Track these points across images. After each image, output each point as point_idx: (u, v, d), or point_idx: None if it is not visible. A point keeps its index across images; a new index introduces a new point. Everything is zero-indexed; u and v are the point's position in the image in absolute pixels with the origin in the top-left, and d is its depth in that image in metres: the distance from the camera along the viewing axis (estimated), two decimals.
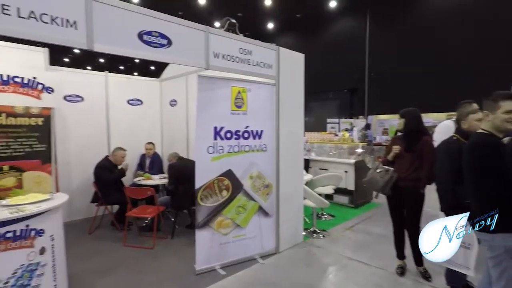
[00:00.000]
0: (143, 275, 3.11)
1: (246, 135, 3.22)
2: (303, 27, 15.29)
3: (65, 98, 4.44)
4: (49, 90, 2.70)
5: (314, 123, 12.99)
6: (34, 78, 2.61)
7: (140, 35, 2.42)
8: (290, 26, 15.62)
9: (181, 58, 2.68)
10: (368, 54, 12.55)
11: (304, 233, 4.02)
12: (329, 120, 12.60)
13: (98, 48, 2.26)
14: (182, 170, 3.86)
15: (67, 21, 2.14)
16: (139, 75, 10.19)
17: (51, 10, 2.07)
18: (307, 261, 3.44)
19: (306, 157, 5.30)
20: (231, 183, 3.13)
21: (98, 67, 16.78)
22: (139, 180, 4.39)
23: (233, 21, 2.99)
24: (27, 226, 2.26)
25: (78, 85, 4.61)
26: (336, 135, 7.12)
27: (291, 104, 3.66)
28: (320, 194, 4.15)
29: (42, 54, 3.72)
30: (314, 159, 5.96)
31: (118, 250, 3.75)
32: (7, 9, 1.93)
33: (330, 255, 3.55)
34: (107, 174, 4.19)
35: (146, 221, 4.33)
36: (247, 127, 3.22)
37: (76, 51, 15.51)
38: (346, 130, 8.28)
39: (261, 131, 3.34)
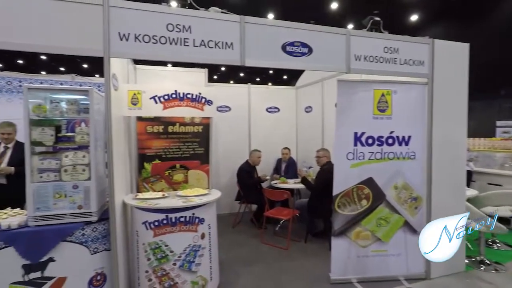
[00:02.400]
0: (279, 273, 3.27)
1: (390, 141, 2.92)
2: (460, 13, 12.72)
3: (217, 108, 5.28)
4: (209, 102, 3.26)
5: (476, 127, 10.51)
6: (200, 93, 3.22)
7: (283, 47, 2.59)
8: (440, 14, 13.27)
9: (321, 64, 2.70)
10: None
11: (466, 261, 3.29)
12: (499, 123, 9.92)
13: (248, 63, 2.55)
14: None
15: (226, 43, 2.51)
16: (272, 85, 11.02)
17: (215, 37, 2.49)
18: None
19: (468, 169, 4.35)
20: (372, 192, 2.90)
21: (239, 81, 19.19)
22: (276, 183, 4.69)
23: (377, 19, 2.79)
24: (193, 214, 2.76)
25: (227, 97, 5.37)
26: None
27: (449, 105, 3.08)
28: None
29: (203, 74, 4.57)
30: (479, 171, 4.81)
31: (257, 245, 4.10)
32: (187, 42, 2.44)
33: None
34: (247, 177, 4.69)
35: (281, 222, 4.57)
36: (391, 132, 2.92)
37: (222, 68, 18.24)
38: None
39: (409, 137, 2.95)
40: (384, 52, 2.83)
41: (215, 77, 21.64)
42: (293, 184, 4.60)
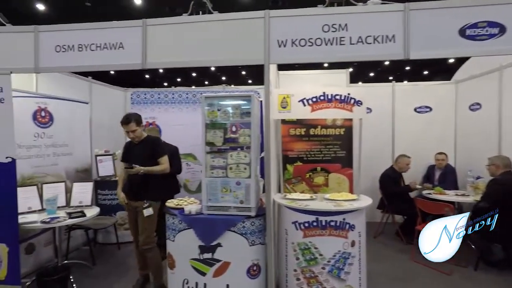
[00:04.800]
0: None
1: None
2: None
3: None
4: (359, 103, 3.09)
5: None
6: (348, 94, 3.09)
7: (462, 31, 2.16)
8: None
9: None
10: None
11: None
12: None
13: (414, 55, 2.27)
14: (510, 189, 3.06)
15: (387, 37, 2.30)
16: (409, 81, 9.69)
17: (374, 31, 2.32)
18: None
19: None
20: None
21: (367, 80, 17.87)
22: (429, 194, 4.03)
23: None
24: (344, 219, 2.64)
25: (367, 97, 4.99)
26: None
27: None
28: None
29: (344, 75, 4.42)
30: None
31: (405, 262, 3.62)
32: (343, 40, 2.37)
33: None
34: (392, 185, 4.22)
35: None
36: None
37: (350, 69, 17.43)
38: None
39: None
40: None
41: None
42: (453, 196, 3.83)
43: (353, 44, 2.34)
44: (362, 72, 17.76)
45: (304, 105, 3.15)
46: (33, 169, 3.50)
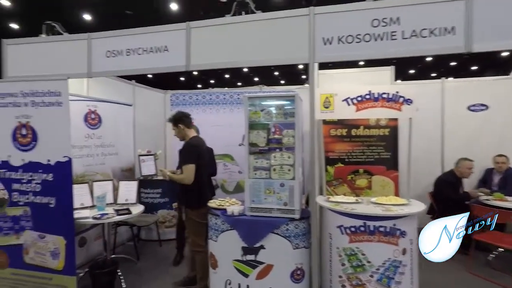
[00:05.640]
0: None
1: None
2: None
3: None
4: (408, 102, 2.90)
5: None
6: (397, 92, 2.91)
7: None
8: None
9: None
10: None
11: None
12: None
13: (476, 48, 2.08)
14: None
15: (445, 29, 2.13)
16: (455, 78, 8.97)
17: (430, 24, 2.16)
18: None
19: None
20: None
21: (407, 78, 16.95)
22: (487, 200, 3.69)
23: None
24: (394, 225, 2.48)
25: (415, 96, 4.70)
26: None
27: None
28: None
29: (388, 72, 4.20)
30: None
31: (461, 273, 3.36)
32: (394, 35, 2.23)
33: None
34: (450, 190, 3.90)
35: (497, 251, 3.55)
36: None
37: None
38: None
39: None
40: None
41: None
42: None
43: (406, 38, 2.20)
44: (401, 70, 16.91)
45: (349, 105, 3.02)
46: (84, 168, 3.73)
